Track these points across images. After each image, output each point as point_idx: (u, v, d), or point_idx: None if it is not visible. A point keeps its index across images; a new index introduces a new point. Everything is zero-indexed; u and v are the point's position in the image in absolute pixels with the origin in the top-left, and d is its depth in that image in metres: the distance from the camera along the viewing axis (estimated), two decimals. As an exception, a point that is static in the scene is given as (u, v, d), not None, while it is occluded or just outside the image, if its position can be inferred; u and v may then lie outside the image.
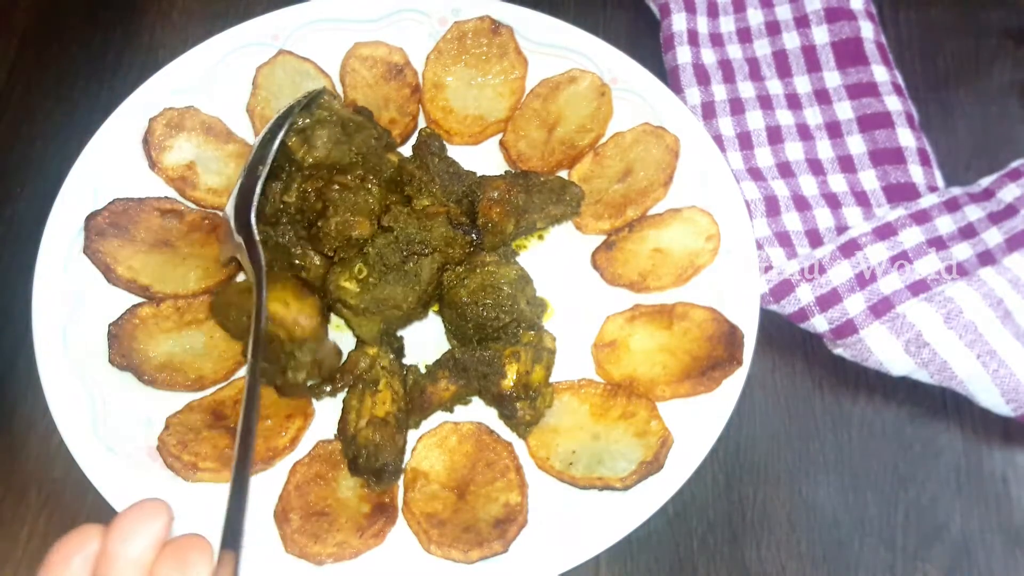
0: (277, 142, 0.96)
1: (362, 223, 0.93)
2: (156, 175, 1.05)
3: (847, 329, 0.99)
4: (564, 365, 0.99)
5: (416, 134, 1.07)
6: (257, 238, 0.92)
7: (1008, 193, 1.07)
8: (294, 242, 0.96)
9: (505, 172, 1.06)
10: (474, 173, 1.05)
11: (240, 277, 1.02)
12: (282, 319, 0.92)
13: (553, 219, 1.04)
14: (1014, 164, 1.10)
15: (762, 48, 1.20)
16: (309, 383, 0.94)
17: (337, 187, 0.94)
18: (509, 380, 0.92)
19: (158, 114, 1.06)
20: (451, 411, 0.97)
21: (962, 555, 0.95)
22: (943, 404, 1.02)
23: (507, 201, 0.99)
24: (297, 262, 0.96)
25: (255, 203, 0.94)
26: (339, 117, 0.99)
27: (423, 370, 0.97)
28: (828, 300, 1.00)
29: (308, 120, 0.98)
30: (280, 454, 0.93)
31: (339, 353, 0.96)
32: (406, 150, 1.07)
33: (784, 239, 1.07)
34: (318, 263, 0.96)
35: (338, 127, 0.98)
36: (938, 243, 1.05)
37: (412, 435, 0.95)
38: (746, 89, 1.17)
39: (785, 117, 1.16)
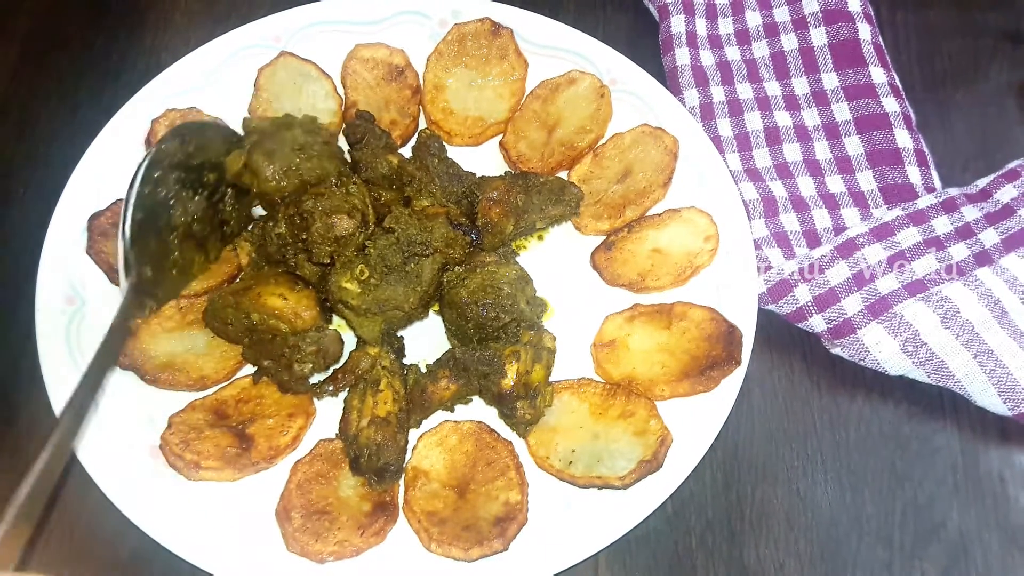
0: (137, 184, 0.93)
1: (342, 220, 0.93)
2: (158, 176, 1.06)
3: (845, 329, 1.00)
4: (564, 364, 1.00)
5: (417, 135, 1.07)
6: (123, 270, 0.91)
7: (1005, 194, 1.08)
8: (302, 264, 0.97)
9: (505, 173, 1.06)
10: (474, 174, 1.06)
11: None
12: (282, 312, 0.93)
13: (553, 220, 1.05)
14: (1011, 165, 1.10)
15: (760, 50, 1.21)
16: (315, 376, 0.95)
17: (312, 197, 0.95)
18: (509, 379, 0.93)
19: (160, 115, 1.07)
20: (452, 410, 0.98)
21: (959, 553, 0.96)
22: (940, 403, 1.03)
23: (506, 202, 0.99)
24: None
25: (123, 243, 0.91)
26: (261, 130, 0.99)
27: (424, 369, 0.98)
28: (826, 300, 1.01)
29: (241, 152, 0.98)
30: (282, 452, 0.93)
31: (341, 340, 0.97)
32: (406, 151, 1.08)
33: (782, 239, 1.07)
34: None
35: (269, 141, 0.98)
36: (935, 243, 1.05)
37: (413, 434, 0.96)
38: (744, 90, 1.18)
39: (783, 118, 1.16)
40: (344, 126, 1.07)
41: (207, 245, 1.00)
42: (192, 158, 0.98)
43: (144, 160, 0.94)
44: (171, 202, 0.96)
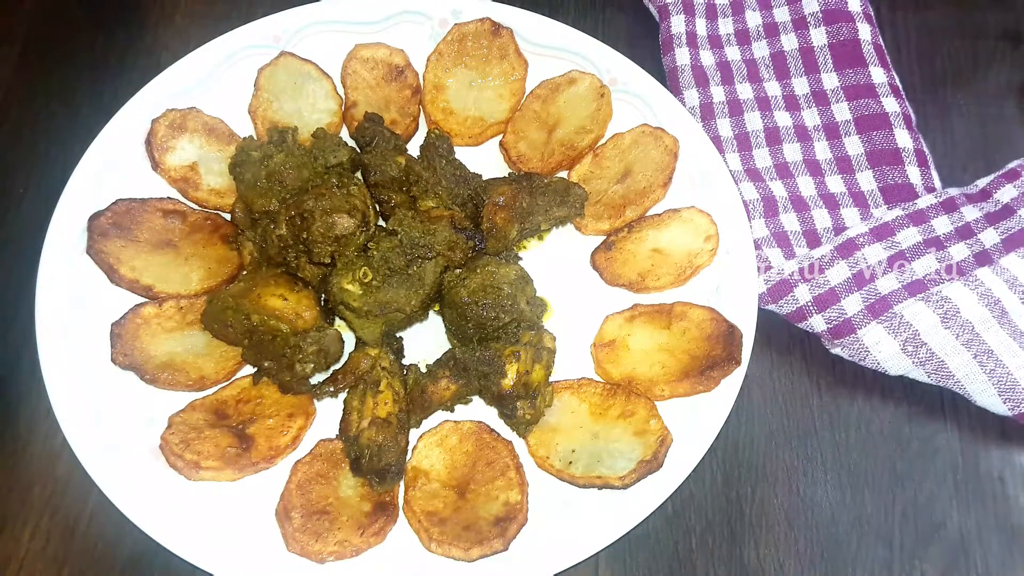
0: None
1: (342, 219, 0.94)
2: (159, 176, 1.06)
3: (845, 329, 1.00)
4: (564, 364, 1.00)
5: (426, 135, 1.06)
6: None
7: (1005, 194, 1.08)
8: (303, 266, 0.97)
9: (509, 175, 1.06)
10: (480, 176, 1.05)
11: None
12: (282, 313, 0.93)
13: (557, 221, 1.05)
14: (1011, 165, 1.10)
15: (760, 50, 1.21)
16: (316, 376, 0.95)
17: (312, 197, 0.95)
18: (509, 379, 0.93)
19: (160, 115, 1.07)
20: (452, 410, 0.98)
21: (959, 554, 0.96)
22: (940, 403, 1.03)
23: (512, 207, 0.99)
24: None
25: None
26: (233, 163, 1.00)
27: (424, 370, 0.98)
28: (826, 300, 1.01)
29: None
30: (282, 453, 0.93)
31: (341, 340, 0.97)
32: (411, 150, 1.08)
33: (782, 239, 1.07)
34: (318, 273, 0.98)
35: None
36: (935, 243, 1.05)
37: (413, 434, 0.96)
38: (744, 90, 1.18)
39: (783, 118, 1.16)
40: (355, 129, 1.07)
41: None
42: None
43: None
44: None
